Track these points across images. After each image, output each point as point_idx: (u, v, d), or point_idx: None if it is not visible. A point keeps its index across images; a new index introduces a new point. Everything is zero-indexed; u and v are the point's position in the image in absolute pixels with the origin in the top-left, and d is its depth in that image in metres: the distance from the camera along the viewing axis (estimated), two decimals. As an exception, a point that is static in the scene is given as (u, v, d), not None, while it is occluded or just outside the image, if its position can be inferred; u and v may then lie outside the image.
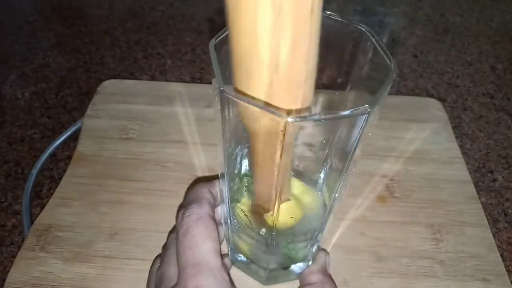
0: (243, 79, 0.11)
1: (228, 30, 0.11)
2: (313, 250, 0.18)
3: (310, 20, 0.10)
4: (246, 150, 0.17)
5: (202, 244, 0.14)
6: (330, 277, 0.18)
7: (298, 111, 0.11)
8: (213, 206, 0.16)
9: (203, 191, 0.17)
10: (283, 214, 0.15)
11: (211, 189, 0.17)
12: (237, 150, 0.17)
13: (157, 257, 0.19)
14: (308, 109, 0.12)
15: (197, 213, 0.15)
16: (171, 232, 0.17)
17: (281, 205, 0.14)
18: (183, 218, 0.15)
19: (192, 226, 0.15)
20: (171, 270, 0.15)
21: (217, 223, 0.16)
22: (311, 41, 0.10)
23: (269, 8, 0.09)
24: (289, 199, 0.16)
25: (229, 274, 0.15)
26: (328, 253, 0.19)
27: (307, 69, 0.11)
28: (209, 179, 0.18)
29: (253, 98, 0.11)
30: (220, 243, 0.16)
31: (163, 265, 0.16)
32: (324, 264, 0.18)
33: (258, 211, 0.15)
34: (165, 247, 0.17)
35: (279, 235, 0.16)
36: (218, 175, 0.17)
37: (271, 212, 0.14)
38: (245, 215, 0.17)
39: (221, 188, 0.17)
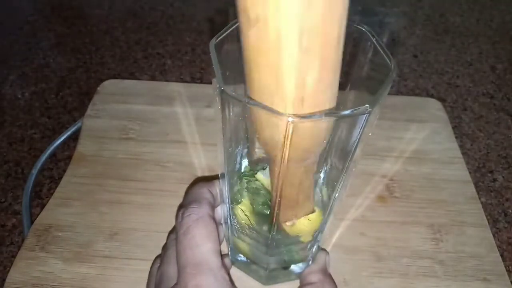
0: (264, 114, 0.11)
1: (246, 66, 0.10)
2: (313, 250, 0.18)
3: (337, 51, 0.09)
4: (245, 150, 0.17)
5: (202, 244, 0.14)
6: (330, 276, 0.18)
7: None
8: (213, 206, 0.16)
9: (203, 191, 0.16)
10: (304, 225, 0.15)
11: (211, 189, 0.17)
12: (237, 150, 0.17)
13: (157, 257, 0.19)
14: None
15: (197, 213, 0.15)
16: (171, 232, 0.17)
17: (306, 216, 0.14)
18: (183, 218, 0.15)
19: (192, 226, 0.15)
20: (171, 270, 0.15)
21: (217, 223, 0.16)
22: (336, 69, 0.10)
23: (296, 47, 0.09)
24: (314, 211, 0.15)
25: (229, 274, 0.15)
26: (328, 253, 0.19)
27: (331, 95, 0.11)
28: (209, 179, 0.18)
29: (252, 98, 0.11)
30: (220, 243, 0.16)
31: (163, 265, 0.16)
32: (324, 264, 0.18)
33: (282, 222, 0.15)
34: (165, 247, 0.17)
35: (279, 235, 0.16)
36: (217, 175, 0.17)
37: (290, 222, 0.14)
38: (245, 215, 0.17)
39: (221, 188, 0.17)
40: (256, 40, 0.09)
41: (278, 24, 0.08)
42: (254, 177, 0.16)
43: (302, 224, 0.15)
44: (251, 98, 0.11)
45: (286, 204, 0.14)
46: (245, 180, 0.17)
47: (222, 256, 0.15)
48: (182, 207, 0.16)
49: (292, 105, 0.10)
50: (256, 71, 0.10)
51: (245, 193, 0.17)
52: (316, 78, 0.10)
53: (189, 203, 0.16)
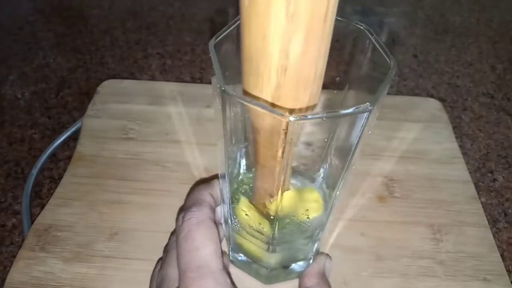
0: (252, 79, 0.11)
1: (241, 30, 0.11)
2: (314, 248, 0.18)
3: (323, 26, 0.10)
4: (245, 150, 0.17)
5: (202, 247, 0.14)
6: (327, 281, 0.17)
7: (302, 110, 0.11)
8: (214, 209, 0.16)
9: (204, 193, 0.16)
10: (286, 201, 0.15)
11: (212, 192, 0.17)
12: (236, 150, 0.17)
13: (159, 260, 0.19)
14: (312, 108, 0.12)
15: (198, 217, 0.15)
16: (172, 234, 0.17)
17: (283, 193, 0.14)
18: (183, 221, 0.15)
19: (192, 229, 0.14)
20: (172, 273, 0.15)
21: (217, 225, 0.16)
22: (322, 47, 0.10)
23: (283, 14, 0.09)
24: (289, 189, 0.15)
25: (230, 277, 0.15)
26: (329, 257, 0.19)
27: (315, 73, 0.11)
28: (210, 180, 0.18)
29: (257, 98, 0.11)
30: (220, 243, 0.16)
31: (164, 267, 0.16)
32: (322, 267, 0.18)
33: (260, 203, 0.15)
34: (166, 249, 0.17)
35: (280, 233, 0.16)
36: (217, 175, 0.17)
37: (274, 198, 0.14)
38: (246, 214, 0.17)
39: (221, 188, 0.17)
40: (249, 3, 0.10)
41: None
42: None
43: (285, 202, 0.15)
44: (243, 77, 0.11)
45: (265, 185, 0.14)
46: (245, 179, 0.17)
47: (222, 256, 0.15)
48: (182, 210, 0.16)
49: (275, 73, 0.10)
50: (247, 35, 0.10)
51: (245, 192, 0.17)
52: (299, 49, 0.10)
53: (190, 206, 0.16)
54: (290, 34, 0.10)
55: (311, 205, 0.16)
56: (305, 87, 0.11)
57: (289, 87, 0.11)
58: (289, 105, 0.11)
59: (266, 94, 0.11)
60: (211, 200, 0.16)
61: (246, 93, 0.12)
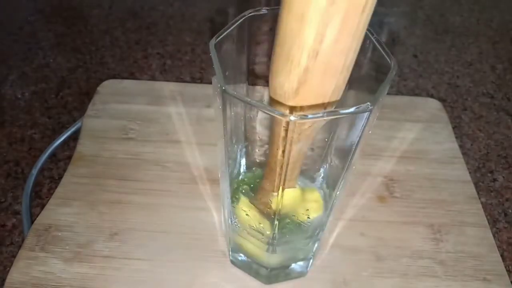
0: (281, 60, 0.11)
1: (280, 10, 0.11)
2: (314, 248, 0.18)
3: (360, 17, 0.10)
4: (245, 150, 0.17)
5: None
6: None
7: (324, 105, 0.11)
8: None
9: None
10: (286, 200, 0.15)
11: None
12: (236, 149, 0.17)
13: None
14: (335, 103, 0.12)
15: None
16: None
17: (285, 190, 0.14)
18: None
19: None
20: None
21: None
22: (356, 37, 0.10)
23: None
24: (294, 187, 0.15)
25: None
26: None
27: (344, 64, 0.11)
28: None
29: (283, 80, 0.11)
30: None
31: None
32: None
33: (262, 201, 0.15)
34: None
35: (280, 233, 0.16)
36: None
37: (275, 194, 0.14)
38: (246, 214, 0.17)
39: (222, 188, 0.17)
40: None
41: None
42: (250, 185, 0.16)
43: (286, 199, 0.15)
44: (273, 60, 0.11)
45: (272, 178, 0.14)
46: (246, 179, 0.16)
47: None
48: None
49: (307, 56, 0.10)
50: (286, 15, 0.11)
51: (245, 192, 0.17)
52: (334, 36, 0.10)
53: None
54: (327, 18, 0.10)
55: (311, 205, 0.16)
56: (332, 76, 0.11)
57: (317, 73, 0.11)
58: (314, 91, 0.11)
59: (294, 76, 0.11)
60: None
61: (273, 77, 0.12)
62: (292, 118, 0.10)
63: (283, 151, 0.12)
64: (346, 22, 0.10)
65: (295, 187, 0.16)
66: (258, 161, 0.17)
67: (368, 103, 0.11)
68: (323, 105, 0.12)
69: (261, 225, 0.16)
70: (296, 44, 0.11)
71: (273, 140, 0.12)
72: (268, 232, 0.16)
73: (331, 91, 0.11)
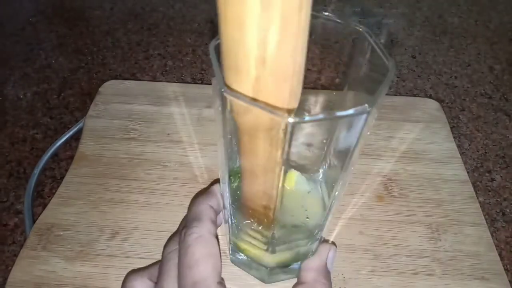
0: (232, 73, 0.11)
1: (218, 22, 0.11)
2: (313, 248, 0.18)
3: (299, 16, 0.10)
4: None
5: (201, 263, 0.14)
6: (326, 275, 0.17)
7: (289, 110, 0.11)
8: (214, 221, 0.16)
9: (203, 207, 0.16)
10: (285, 201, 0.15)
11: (211, 203, 0.17)
12: (236, 150, 0.17)
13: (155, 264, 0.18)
14: (293, 110, 0.12)
15: (198, 232, 0.15)
16: (165, 246, 0.17)
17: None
18: (185, 237, 0.15)
19: (192, 245, 0.15)
20: (169, 286, 0.15)
21: (218, 238, 0.16)
22: (299, 37, 0.10)
23: (257, 2, 0.09)
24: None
25: None
26: (334, 246, 0.18)
27: (294, 65, 0.11)
28: (210, 186, 0.18)
29: (238, 92, 0.11)
30: (218, 227, 0.17)
31: (160, 281, 0.15)
32: (324, 260, 0.17)
33: (258, 204, 0.15)
34: (160, 263, 0.16)
35: (280, 233, 0.16)
36: (216, 176, 0.17)
37: (273, 198, 0.14)
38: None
39: (222, 188, 0.17)
40: None
41: None
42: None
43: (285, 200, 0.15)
44: (224, 71, 0.11)
45: (258, 188, 0.14)
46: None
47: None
48: (184, 225, 0.16)
49: (254, 65, 0.10)
50: (224, 24, 0.10)
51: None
52: (276, 40, 0.10)
53: (191, 221, 0.16)
54: (266, 23, 0.10)
55: (310, 205, 0.17)
56: (284, 80, 0.11)
57: (269, 80, 0.11)
58: (271, 100, 0.11)
59: (247, 87, 0.11)
60: (210, 212, 0.16)
61: (229, 88, 0.12)
62: (290, 120, 0.10)
63: (282, 153, 0.12)
64: (285, 23, 0.10)
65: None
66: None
67: (366, 104, 0.11)
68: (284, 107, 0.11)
69: (261, 225, 0.16)
70: (241, 53, 0.10)
71: (263, 141, 0.12)
72: (267, 232, 0.16)
73: (288, 94, 0.11)
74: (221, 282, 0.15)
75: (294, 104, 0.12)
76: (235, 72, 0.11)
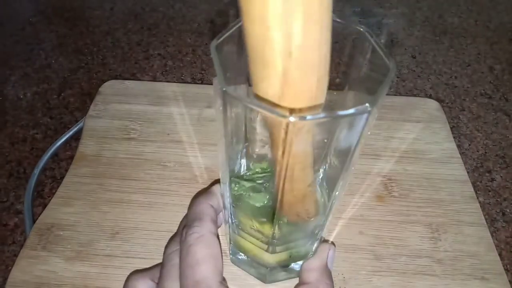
0: (258, 68, 0.11)
1: (242, 21, 0.11)
2: (313, 248, 0.18)
3: (320, 10, 0.10)
4: (245, 150, 0.18)
5: (202, 263, 0.14)
6: (328, 275, 0.17)
7: (310, 108, 0.12)
8: (215, 221, 0.16)
9: (204, 207, 0.17)
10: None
11: (212, 202, 0.17)
12: (237, 150, 0.17)
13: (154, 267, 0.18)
14: (321, 105, 0.12)
15: (199, 232, 0.15)
16: (166, 247, 0.17)
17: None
18: (186, 237, 0.15)
19: (193, 244, 0.15)
20: (170, 286, 0.15)
21: (219, 238, 0.16)
22: (323, 27, 0.10)
23: None
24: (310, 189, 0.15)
25: None
26: (333, 246, 0.18)
27: (319, 56, 0.11)
28: (210, 186, 0.18)
29: (267, 88, 0.11)
30: (218, 227, 0.17)
31: (162, 281, 0.15)
32: (325, 260, 0.17)
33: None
34: (162, 263, 0.16)
35: (280, 233, 0.16)
36: (217, 176, 0.17)
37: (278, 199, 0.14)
38: (246, 214, 0.17)
39: (222, 188, 0.17)
40: None
41: None
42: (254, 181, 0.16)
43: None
44: (250, 66, 0.11)
45: (289, 202, 0.14)
46: (246, 179, 0.17)
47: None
48: (185, 225, 0.16)
49: (281, 59, 0.10)
50: (248, 23, 0.10)
51: (245, 193, 0.17)
52: (301, 32, 0.10)
53: (192, 221, 0.16)
54: (288, 16, 0.10)
55: (310, 205, 0.17)
56: (311, 72, 0.11)
57: (296, 72, 0.11)
58: (298, 91, 0.11)
59: (275, 81, 0.11)
60: (211, 212, 0.16)
61: (256, 85, 0.12)
62: (291, 119, 0.10)
63: (283, 152, 0.12)
64: (307, 15, 0.10)
65: (311, 189, 0.15)
66: (258, 161, 0.17)
67: (367, 104, 0.11)
68: (312, 104, 0.12)
69: (261, 225, 0.16)
70: (267, 48, 0.10)
71: (273, 141, 0.12)
72: (267, 232, 0.16)
73: (315, 87, 0.11)
74: (223, 282, 0.15)
75: (321, 99, 0.12)
76: (262, 66, 0.11)
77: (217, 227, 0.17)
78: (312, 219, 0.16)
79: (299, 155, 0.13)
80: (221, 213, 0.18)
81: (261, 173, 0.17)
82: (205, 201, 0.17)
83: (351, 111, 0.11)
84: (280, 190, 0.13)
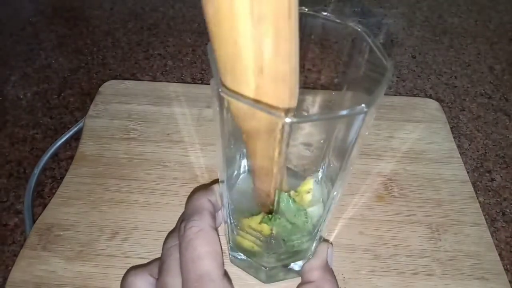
0: (231, 85, 0.11)
1: (210, 39, 0.11)
2: (312, 248, 0.18)
3: (289, 23, 0.10)
4: (245, 151, 0.18)
5: (203, 257, 0.14)
6: (330, 272, 0.17)
7: (288, 110, 0.12)
8: (214, 215, 0.16)
9: (203, 201, 0.17)
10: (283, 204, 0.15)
11: (210, 198, 0.17)
12: (236, 150, 0.17)
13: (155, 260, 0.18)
14: (293, 109, 0.12)
15: (198, 226, 0.15)
16: (165, 242, 0.17)
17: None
18: (185, 231, 0.15)
19: (193, 238, 0.15)
20: (172, 281, 0.15)
21: (218, 232, 0.16)
22: (292, 42, 0.11)
23: (248, 17, 0.09)
24: (286, 190, 0.16)
25: (231, 283, 0.15)
26: (331, 244, 0.18)
27: (290, 68, 0.11)
28: (207, 186, 0.18)
29: (241, 95, 0.11)
30: (218, 226, 0.17)
31: (162, 276, 0.15)
32: (325, 259, 0.17)
33: (259, 203, 0.15)
34: (161, 259, 0.16)
35: (279, 233, 0.16)
36: (216, 176, 0.17)
37: (271, 199, 0.14)
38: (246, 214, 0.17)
39: (221, 187, 0.17)
40: (213, 11, 0.10)
41: None
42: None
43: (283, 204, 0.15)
44: (225, 87, 0.11)
45: (262, 187, 0.14)
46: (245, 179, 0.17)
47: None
48: (183, 220, 0.16)
49: (253, 76, 0.11)
50: (217, 42, 0.11)
51: (245, 192, 0.17)
52: (272, 48, 0.10)
53: (190, 215, 0.16)
54: (260, 36, 0.10)
55: (309, 205, 0.17)
56: (283, 84, 0.11)
57: (269, 87, 0.11)
58: (272, 103, 0.11)
59: (248, 96, 0.11)
60: (210, 207, 0.16)
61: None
62: (287, 120, 0.10)
63: (279, 153, 0.12)
64: (278, 32, 0.10)
65: (286, 189, 0.16)
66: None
67: (363, 105, 0.11)
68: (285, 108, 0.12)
69: (260, 225, 0.16)
70: (238, 67, 0.11)
71: (267, 142, 0.12)
72: (266, 232, 0.16)
73: (288, 97, 0.11)
74: (225, 274, 0.15)
75: (294, 103, 0.12)
76: (234, 84, 0.11)
77: (216, 222, 0.16)
78: (310, 221, 0.16)
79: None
80: (220, 213, 0.18)
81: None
82: (204, 196, 0.17)
83: (348, 111, 0.11)
84: (276, 186, 0.13)
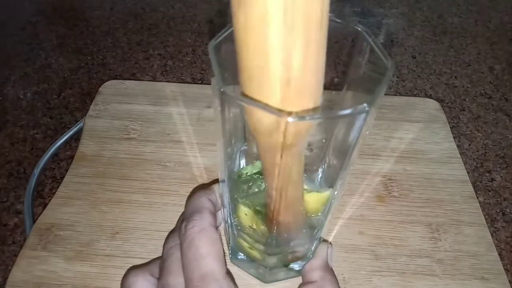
0: (254, 94, 0.11)
1: (236, 47, 0.11)
2: (312, 248, 0.18)
3: (320, 35, 0.10)
4: (245, 150, 0.18)
5: (206, 256, 0.14)
6: (331, 272, 0.17)
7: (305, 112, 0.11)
8: (214, 214, 0.16)
9: (203, 200, 0.17)
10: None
11: (210, 197, 0.17)
12: (236, 150, 0.17)
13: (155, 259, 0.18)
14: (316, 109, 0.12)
15: (199, 225, 0.15)
16: (166, 242, 0.17)
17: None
18: (186, 230, 0.15)
19: (195, 238, 0.15)
20: (173, 281, 0.15)
21: (219, 231, 0.16)
22: (321, 52, 0.10)
23: (281, 26, 0.09)
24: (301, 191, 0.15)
25: (234, 282, 0.15)
26: (330, 244, 0.18)
27: (317, 80, 0.11)
28: (207, 185, 0.18)
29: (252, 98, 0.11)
30: (218, 226, 0.17)
31: (164, 276, 0.15)
32: (325, 259, 0.17)
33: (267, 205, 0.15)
34: (162, 258, 0.16)
35: (279, 233, 0.16)
36: (216, 176, 0.17)
37: (273, 200, 0.14)
38: (245, 214, 0.17)
39: (221, 187, 0.17)
40: (244, 19, 0.10)
41: (264, 2, 0.09)
42: (253, 178, 0.16)
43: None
44: (244, 94, 0.11)
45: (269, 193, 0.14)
46: (245, 179, 0.17)
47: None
48: (183, 219, 0.16)
49: (279, 87, 0.10)
50: (245, 51, 0.10)
51: (245, 191, 0.17)
52: (301, 59, 0.10)
53: (191, 214, 0.16)
54: (290, 46, 0.10)
55: (309, 205, 0.17)
56: (309, 95, 0.11)
57: (294, 98, 0.11)
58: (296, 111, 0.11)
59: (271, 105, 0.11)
60: (210, 206, 0.16)
61: (248, 113, 0.11)
62: (290, 119, 0.10)
63: (281, 155, 0.12)
64: (308, 43, 0.10)
65: (301, 191, 0.15)
66: (256, 160, 0.17)
67: (365, 104, 0.11)
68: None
69: (260, 225, 0.16)
70: (266, 78, 0.10)
71: (270, 143, 0.12)
72: (267, 232, 0.16)
73: (311, 107, 0.11)
74: (228, 273, 0.15)
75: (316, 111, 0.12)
76: (257, 95, 0.11)
77: (216, 220, 0.16)
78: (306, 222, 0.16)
79: (298, 157, 0.13)
80: (220, 213, 0.18)
81: (261, 173, 0.17)
82: (204, 195, 0.17)
83: (349, 111, 0.11)
84: (278, 194, 0.13)
